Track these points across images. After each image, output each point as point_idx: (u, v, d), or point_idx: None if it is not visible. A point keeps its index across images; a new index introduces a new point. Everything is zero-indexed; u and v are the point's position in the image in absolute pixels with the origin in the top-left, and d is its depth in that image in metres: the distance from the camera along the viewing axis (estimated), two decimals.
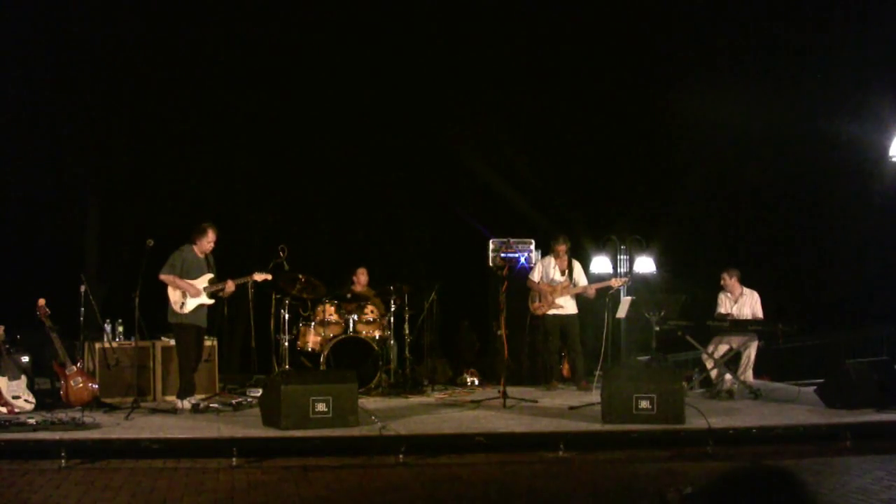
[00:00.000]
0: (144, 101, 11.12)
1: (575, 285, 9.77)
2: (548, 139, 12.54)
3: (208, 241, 8.24)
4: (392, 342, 9.82)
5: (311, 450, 6.64)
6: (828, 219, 11.75)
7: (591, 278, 10.17)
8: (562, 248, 9.81)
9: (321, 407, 6.95)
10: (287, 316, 9.61)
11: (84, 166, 11.17)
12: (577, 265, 9.94)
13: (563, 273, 9.83)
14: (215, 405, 8.11)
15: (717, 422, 7.17)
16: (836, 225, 11.60)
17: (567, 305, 9.80)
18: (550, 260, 9.94)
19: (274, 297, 9.62)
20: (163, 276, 8.05)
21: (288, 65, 11.53)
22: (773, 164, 11.98)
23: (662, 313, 8.91)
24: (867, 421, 7.46)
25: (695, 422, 7.10)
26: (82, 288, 8.53)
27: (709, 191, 12.46)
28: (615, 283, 9.78)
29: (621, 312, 9.54)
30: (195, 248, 8.23)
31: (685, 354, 10.15)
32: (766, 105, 11.52)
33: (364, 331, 9.57)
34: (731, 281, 9.41)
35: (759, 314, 9.31)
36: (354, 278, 10.19)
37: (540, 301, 9.85)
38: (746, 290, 9.44)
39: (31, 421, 6.86)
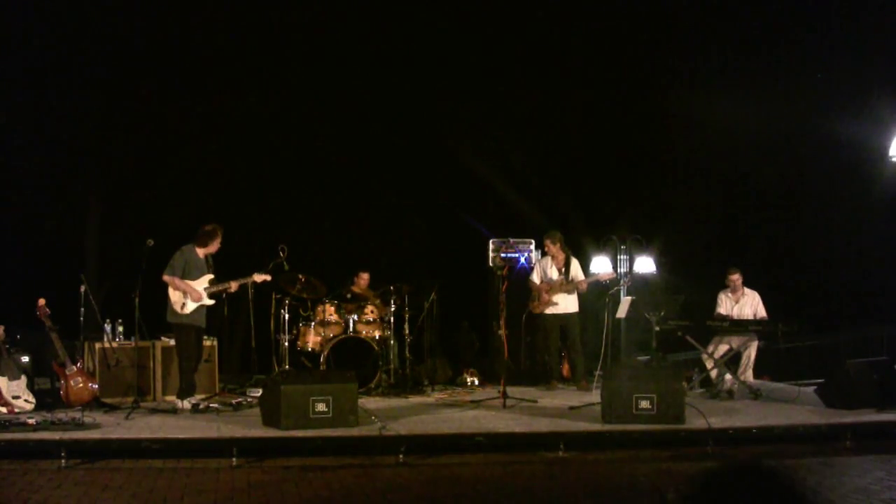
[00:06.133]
0: (145, 100, 11.11)
1: (571, 281, 9.78)
2: (548, 138, 12.52)
3: (219, 243, 8.29)
4: (392, 342, 9.82)
5: (311, 450, 6.65)
6: (827, 219, 11.73)
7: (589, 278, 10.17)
8: (548, 243, 9.84)
9: (321, 407, 6.96)
10: (287, 316, 9.62)
11: (84, 166, 11.16)
12: (574, 262, 9.95)
13: (560, 271, 9.85)
14: (215, 405, 8.12)
15: (717, 422, 7.18)
16: (836, 225, 11.58)
17: (566, 304, 9.80)
18: (548, 259, 9.98)
19: (274, 297, 9.63)
20: (166, 278, 8.07)
21: (288, 64, 11.52)
22: (773, 163, 11.96)
23: (662, 313, 8.91)
24: (867, 421, 7.47)
25: (695, 422, 7.11)
26: (82, 288, 8.53)
27: (709, 190, 12.44)
28: (602, 276, 9.81)
29: (621, 312, 9.54)
30: (198, 248, 8.24)
31: (685, 354, 10.13)
32: (767, 105, 11.51)
33: (364, 331, 9.58)
34: (734, 281, 9.41)
35: (762, 313, 9.31)
36: (356, 279, 10.21)
37: (538, 300, 9.86)
38: (748, 291, 9.45)
39: (31, 421, 6.86)
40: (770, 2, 11.68)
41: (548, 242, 9.87)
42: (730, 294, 9.50)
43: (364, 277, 10.21)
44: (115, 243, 10.87)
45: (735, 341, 9.20)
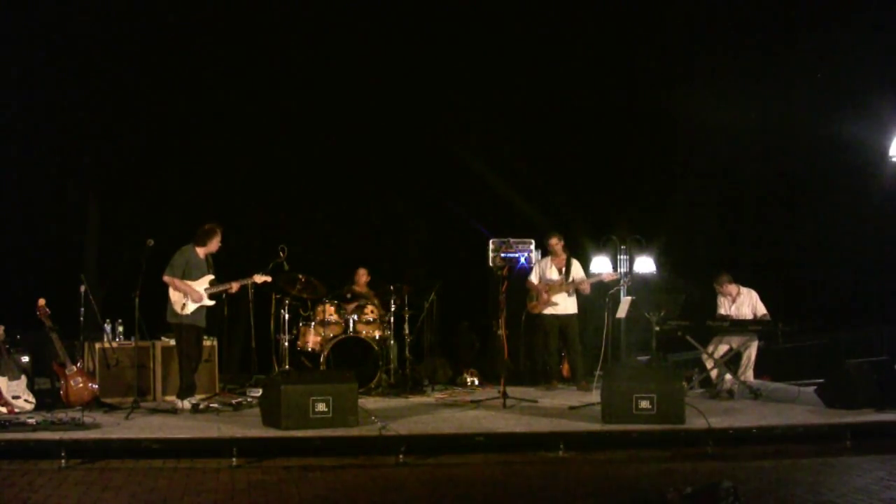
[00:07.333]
0: (145, 100, 11.11)
1: (572, 281, 9.78)
2: (547, 138, 12.52)
3: (218, 242, 8.29)
4: (392, 342, 9.83)
5: (311, 450, 6.65)
6: (828, 219, 11.73)
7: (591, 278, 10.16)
8: (553, 241, 9.84)
9: (321, 407, 6.96)
10: (287, 316, 9.62)
11: (84, 166, 11.16)
12: (575, 263, 9.96)
13: (559, 272, 9.86)
14: (215, 405, 8.12)
15: (717, 422, 7.18)
16: (836, 225, 11.57)
17: (565, 305, 9.80)
18: (547, 260, 9.99)
19: (274, 297, 9.64)
20: (166, 278, 8.07)
21: (288, 64, 11.52)
22: (772, 163, 11.97)
23: (662, 313, 8.91)
24: (867, 421, 7.48)
25: (695, 422, 7.11)
26: (82, 288, 8.53)
27: (709, 191, 12.44)
28: (606, 276, 9.81)
29: (621, 312, 9.53)
30: (199, 248, 8.25)
31: (685, 354, 10.14)
32: (766, 105, 11.51)
33: (364, 331, 9.58)
34: (724, 288, 9.41)
35: (762, 310, 9.30)
36: (355, 278, 10.22)
37: (537, 300, 9.87)
38: (744, 290, 9.45)
39: (31, 421, 6.86)
40: (770, 1, 11.68)
41: (555, 241, 9.85)
42: (729, 295, 9.49)
43: (362, 273, 10.23)
44: (115, 243, 10.87)
45: (735, 341, 9.20)
